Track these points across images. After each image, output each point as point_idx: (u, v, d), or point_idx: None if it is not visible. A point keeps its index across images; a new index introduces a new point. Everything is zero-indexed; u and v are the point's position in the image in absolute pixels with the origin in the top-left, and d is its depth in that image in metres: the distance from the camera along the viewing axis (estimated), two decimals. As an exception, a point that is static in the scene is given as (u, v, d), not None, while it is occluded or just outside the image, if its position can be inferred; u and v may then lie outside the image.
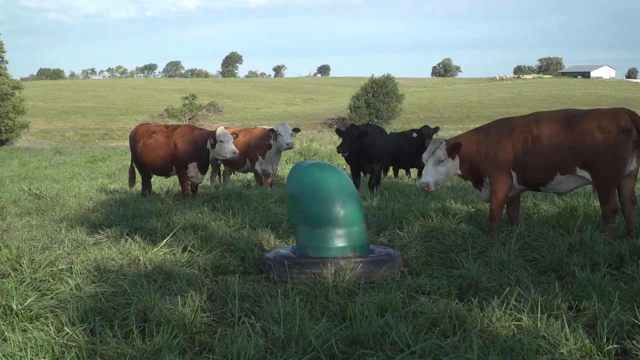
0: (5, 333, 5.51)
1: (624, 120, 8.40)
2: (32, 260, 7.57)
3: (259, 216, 10.74)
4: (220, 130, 13.52)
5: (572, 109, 9.20)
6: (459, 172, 9.35)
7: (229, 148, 13.38)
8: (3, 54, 67.76)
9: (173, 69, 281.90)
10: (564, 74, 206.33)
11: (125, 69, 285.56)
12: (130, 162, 15.47)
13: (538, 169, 8.80)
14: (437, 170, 9.17)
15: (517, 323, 5.53)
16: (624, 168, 8.48)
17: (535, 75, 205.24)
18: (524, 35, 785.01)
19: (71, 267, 7.47)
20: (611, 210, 8.60)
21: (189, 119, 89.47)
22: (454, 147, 9.12)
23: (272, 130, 15.66)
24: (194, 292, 6.28)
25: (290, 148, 15.86)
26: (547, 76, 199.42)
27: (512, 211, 9.46)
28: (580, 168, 8.59)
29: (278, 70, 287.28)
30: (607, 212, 8.61)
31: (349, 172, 16.08)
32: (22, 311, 5.95)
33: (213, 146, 13.48)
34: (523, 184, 9.07)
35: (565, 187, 8.93)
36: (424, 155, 9.34)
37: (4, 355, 5.11)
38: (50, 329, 5.57)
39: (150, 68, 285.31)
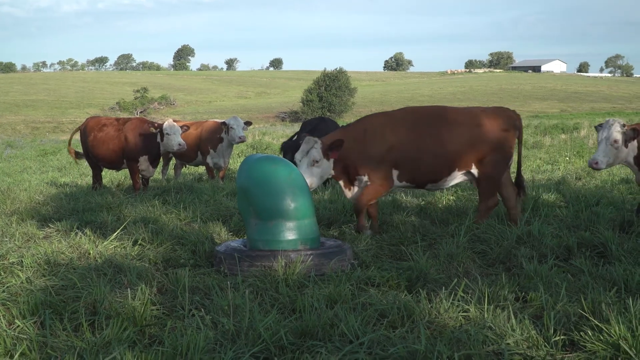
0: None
1: (516, 119, 8.86)
2: (-17, 254, 7.49)
3: (210, 209, 10.74)
4: (167, 123, 13.40)
5: (443, 105, 9.37)
6: (333, 172, 8.87)
7: (175, 140, 13.26)
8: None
9: (124, 61, 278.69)
10: (515, 68, 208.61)
11: (76, 62, 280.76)
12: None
13: (435, 167, 8.74)
14: (311, 171, 8.58)
15: (465, 314, 5.60)
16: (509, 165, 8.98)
17: (487, 70, 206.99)
18: (475, 29, 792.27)
19: (22, 261, 7.42)
20: (493, 204, 8.92)
21: (141, 112, 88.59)
22: (334, 145, 8.55)
23: (224, 123, 15.63)
24: (144, 285, 6.26)
25: (242, 141, 15.85)
26: (498, 70, 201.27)
27: (372, 209, 9.11)
28: (475, 165, 8.75)
29: (230, 63, 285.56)
30: (489, 205, 8.88)
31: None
32: (-27, 305, 5.91)
33: (161, 139, 13.40)
34: (408, 181, 8.93)
35: (453, 183, 9.05)
36: (297, 155, 8.75)
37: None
38: (1, 322, 5.52)
39: (101, 61, 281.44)
